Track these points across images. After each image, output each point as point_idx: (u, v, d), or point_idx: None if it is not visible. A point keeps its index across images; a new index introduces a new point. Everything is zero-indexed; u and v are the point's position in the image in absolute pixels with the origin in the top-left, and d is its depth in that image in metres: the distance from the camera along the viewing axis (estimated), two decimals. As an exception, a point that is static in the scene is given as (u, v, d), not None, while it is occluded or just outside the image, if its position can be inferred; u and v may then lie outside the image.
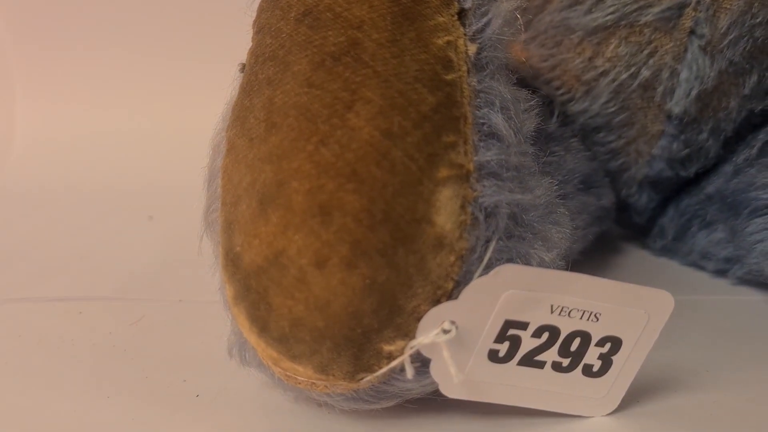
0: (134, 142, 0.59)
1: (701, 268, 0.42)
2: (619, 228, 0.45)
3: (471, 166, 0.25)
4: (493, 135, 0.26)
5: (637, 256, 0.45)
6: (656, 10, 0.38)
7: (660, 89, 0.39)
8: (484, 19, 0.26)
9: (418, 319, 0.24)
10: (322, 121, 0.24)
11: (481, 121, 0.25)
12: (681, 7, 0.37)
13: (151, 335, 0.34)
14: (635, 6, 0.38)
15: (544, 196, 0.28)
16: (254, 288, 0.24)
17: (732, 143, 0.40)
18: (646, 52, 0.38)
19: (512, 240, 0.26)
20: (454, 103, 0.25)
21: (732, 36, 0.37)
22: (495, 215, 0.25)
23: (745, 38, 0.37)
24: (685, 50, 0.38)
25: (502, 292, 0.25)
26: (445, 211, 0.24)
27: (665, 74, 0.39)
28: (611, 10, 0.38)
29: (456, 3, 0.26)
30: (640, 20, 0.38)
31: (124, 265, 0.43)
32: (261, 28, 0.27)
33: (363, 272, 0.23)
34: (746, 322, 0.36)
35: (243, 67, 0.28)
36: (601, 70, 0.39)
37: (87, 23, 0.62)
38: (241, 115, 0.26)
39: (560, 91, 0.41)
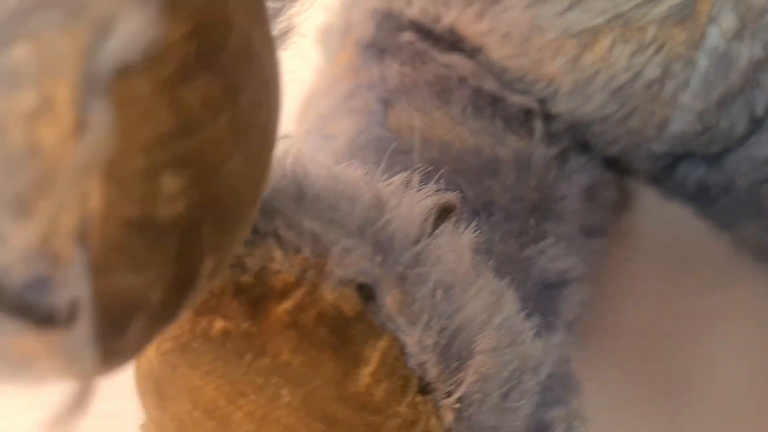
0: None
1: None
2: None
3: None
4: None
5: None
6: (663, 7, 0.26)
7: (670, 85, 0.29)
8: (458, 380, 0.18)
9: None
10: None
11: None
12: (697, -7, 0.26)
13: None
14: (632, 4, 0.27)
15: None
16: None
17: (765, 116, 0.31)
18: (651, 49, 0.28)
19: None
20: None
21: (768, 15, 0.27)
22: None
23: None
24: (703, 38, 0.28)
25: None
26: None
27: (677, 66, 0.29)
28: (598, 12, 0.27)
29: (414, 379, 0.17)
30: (641, 19, 0.27)
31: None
32: (151, 420, 0.19)
33: None
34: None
35: None
36: (591, 71, 0.29)
37: None
38: None
39: (539, 86, 0.31)
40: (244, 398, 0.17)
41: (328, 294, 0.17)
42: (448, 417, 0.18)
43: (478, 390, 0.18)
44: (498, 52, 0.31)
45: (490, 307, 0.19)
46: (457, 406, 0.18)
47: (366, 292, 0.17)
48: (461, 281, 0.18)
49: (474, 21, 0.30)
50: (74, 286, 0.12)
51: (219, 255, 0.13)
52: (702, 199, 0.35)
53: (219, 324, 0.17)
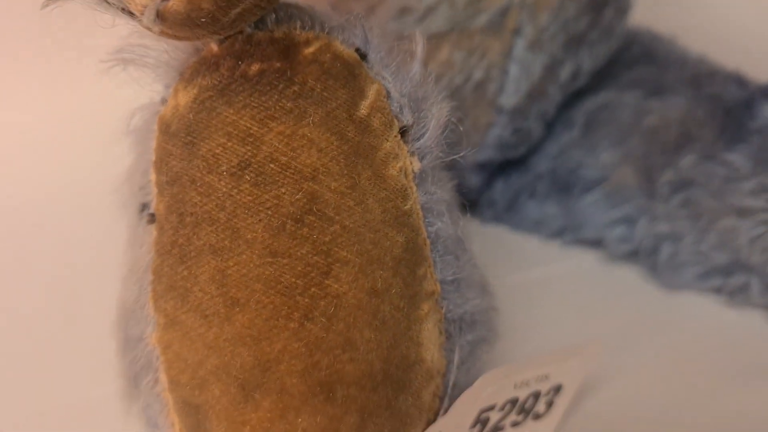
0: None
1: (532, 233, 0.46)
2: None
3: (438, 287, 0.25)
4: (447, 249, 0.25)
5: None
6: (485, 16, 0.38)
7: (491, 87, 0.40)
8: (422, 130, 0.25)
9: None
10: (299, 293, 0.22)
11: (433, 237, 0.25)
12: (505, 10, 0.38)
13: None
14: (466, 14, 0.38)
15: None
16: None
17: (552, 123, 0.43)
18: (477, 54, 0.39)
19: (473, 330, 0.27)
20: (417, 233, 0.24)
21: (551, 31, 0.39)
22: (460, 322, 0.26)
23: (561, 32, 0.40)
24: (512, 49, 0.39)
25: (482, 393, 0.26)
26: (430, 342, 0.24)
27: (495, 73, 0.40)
28: (443, 18, 0.38)
29: (395, 121, 0.24)
30: (470, 26, 0.38)
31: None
32: (175, 178, 0.23)
33: (371, 431, 0.23)
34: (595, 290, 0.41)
35: (152, 218, 0.24)
36: (434, 75, 0.39)
37: None
38: (176, 285, 0.23)
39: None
40: (276, 120, 0.22)
41: (339, 46, 0.24)
42: (417, 165, 0.25)
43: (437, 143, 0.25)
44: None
45: None
46: (419, 158, 0.25)
47: (361, 55, 0.24)
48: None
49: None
50: None
51: None
52: (512, 209, 0.46)
53: (256, 66, 0.23)
